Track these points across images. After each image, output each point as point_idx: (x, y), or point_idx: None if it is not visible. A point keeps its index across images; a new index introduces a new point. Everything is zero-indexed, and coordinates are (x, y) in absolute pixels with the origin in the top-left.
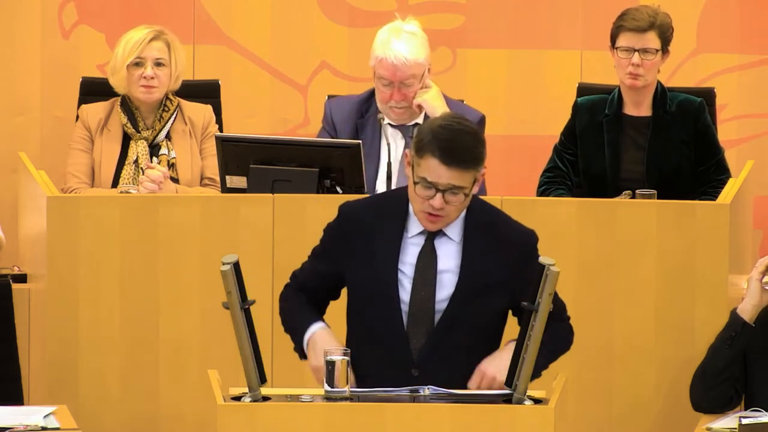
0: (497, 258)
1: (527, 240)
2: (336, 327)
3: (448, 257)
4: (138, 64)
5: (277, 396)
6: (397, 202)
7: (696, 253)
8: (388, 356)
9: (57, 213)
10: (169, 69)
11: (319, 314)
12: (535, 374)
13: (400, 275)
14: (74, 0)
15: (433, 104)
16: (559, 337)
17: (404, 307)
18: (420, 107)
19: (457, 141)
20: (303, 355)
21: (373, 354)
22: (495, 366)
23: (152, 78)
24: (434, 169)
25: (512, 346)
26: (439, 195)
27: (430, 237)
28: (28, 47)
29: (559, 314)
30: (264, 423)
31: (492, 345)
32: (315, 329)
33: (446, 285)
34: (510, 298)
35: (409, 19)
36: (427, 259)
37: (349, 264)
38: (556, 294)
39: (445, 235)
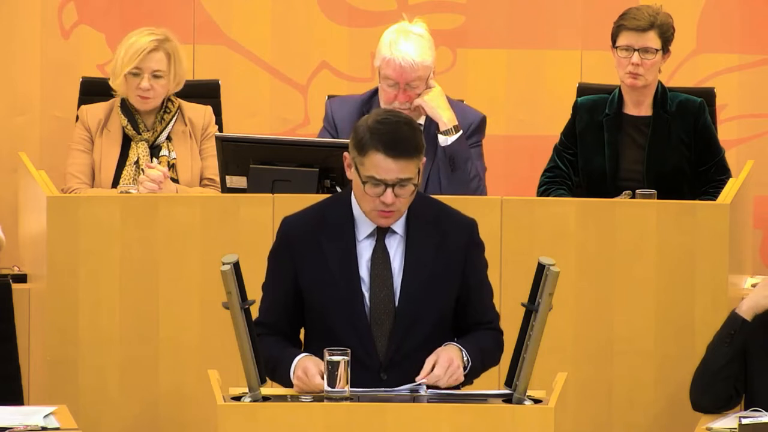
0: (440, 249)
1: (469, 229)
2: None
3: (398, 253)
4: (135, 74)
5: (277, 396)
6: (339, 207)
7: (696, 253)
8: (356, 363)
9: (57, 213)
10: (167, 80)
11: (298, 349)
12: (469, 380)
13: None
14: (74, 0)
15: (433, 104)
16: (496, 349)
17: (367, 312)
18: (419, 108)
19: (397, 133)
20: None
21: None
22: (449, 351)
23: (148, 89)
24: (380, 165)
25: (451, 345)
26: (389, 190)
27: (380, 237)
28: (28, 47)
29: (496, 324)
30: (264, 423)
31: (451, 338)
32: (298, 358)
33: (401, 282)
34: (458, 289)
35: (416, 20)
36: (381, 259)
37: (304, 277)
38: (493, 301)
39: (392, 231)
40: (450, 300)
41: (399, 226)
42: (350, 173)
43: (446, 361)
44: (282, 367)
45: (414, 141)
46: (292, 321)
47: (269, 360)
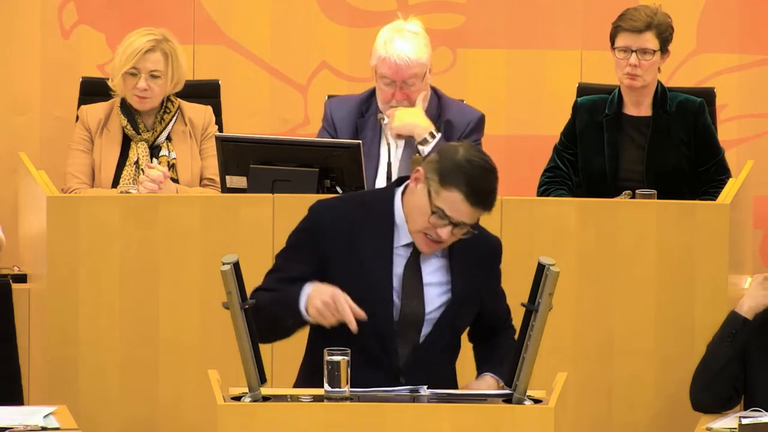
0: (478, 268)
1: (496, 248)
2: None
3: (433, 271)
4: (133, 74)
5: (277, 396)
6: (382, 208)
7: (696, 253)
8: (373, 363)
9: (57, 213)
10: (165, 80)
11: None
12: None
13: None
14: (74, 0)
15: (402, 124)
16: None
17: (396, 318)
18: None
19: (486, 182)
20: (300, 320)
21: (356, 359)
22: (484, 386)
23: (145, 90)
24: (457, 205)
25: (487, 377)
26: (449, 227)
27: (416, 249)
28: (28, 47)
29: (509, 321)
30: (264, 423)
31: (460, 341)
32: (308, 287)
33: (432, 298)
34: (481, 303)
35: (411, 18)
36: (413, 271)
37: (335, 267)
38: (505, 298)
39: None
40: (475, 313)
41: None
42: (416, 188)
43: None
44: (288, 298)
45: (495, 195)
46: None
47: (266, 301)
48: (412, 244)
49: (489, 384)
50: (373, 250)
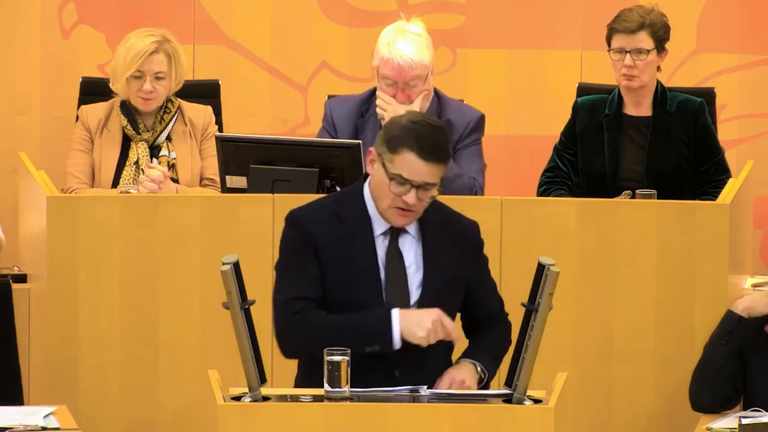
0: (453, 251)
1: (475, 231)
2: None
3: (411, 253)
4: (137, 77)
5: (277, 396)
6: (354, 204)
7: (696, 253)
8: (369, 360)
9: (57, 213)
10: (169, 80)
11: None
12: (488, 382)
13: None
14: (74, 0)
15: None
16: (506, 338)
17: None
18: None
19: (433, 136)
20: (386, 344)
21: (353, 356)
22: (462, 372)
23: (151, 92)
24: (411, 165)
25: (466, 362)
26: (413, 191)
27: (394, 236)
28: (28, 47)
29: (503, 311)
30: (264, 423)
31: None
32: (395, 317)
33: (414, 282)
34: (465, 291)
35: (413, 19)
36: (395, 259)
37: (324, 271)
38: (497, 290)
39: (405, 231)
40: (460, 299)
41: (412, 227)
42: (372, 168)
43: (458, 385)
44: (369, 329)
45: (447, 147)
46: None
47: (332, 326)
48: (388, 231)
49: (467, 370)
50: (358, 245)
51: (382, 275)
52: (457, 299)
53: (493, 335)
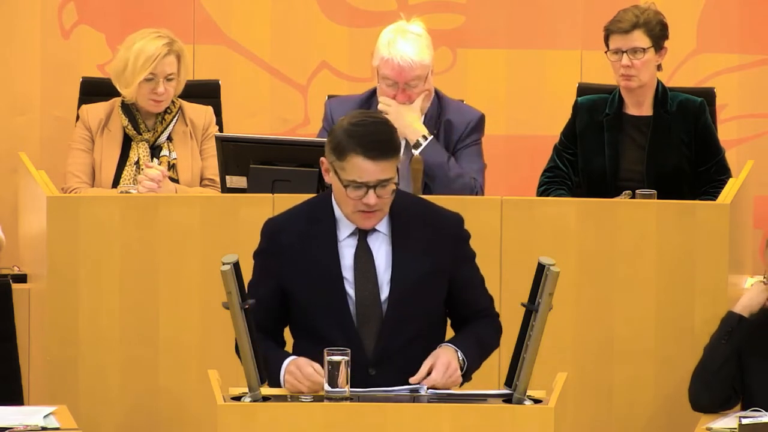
0: (428, 246)
1: (455, 224)
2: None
3: (381, 250)
4: (150, 79)
5: (277, 396)
6: (322, 208)
7: (696, 253)
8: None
9: (57, 213)
10: (177, 81)
11: (284, 350)
12: (467, 377)
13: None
14: (74, 0)
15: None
16: (494, 335)
17: (352, 309)
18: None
19: (375, 134)
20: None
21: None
22: (446, 354)
23: (163, 93)
24: (361, 167)
25: (448, 347)
26: (371, 192)
27: (362, 236)
28: (28, 47)
29: (491, 309)
30: (264, 423)
31: (441, 330)
32: (288, 360)
33: (385, 281)
34: (448, 284)
35: (413, 19)
36: (364, 258)
37: (289, 276)
38: (485, 287)
39: (375, 229)
40: (439, 296)
41: (383, 225)
42: (329, 177)
43: (443, 365)
44: (272, 366)
45: (391, 141)
46: (276, 320)
47: (262, 349)
48: (356, 232)
49: (446, 353)
50: (322, 250)
51: (349, 276)
52: (434, 294)
53: (479, 329)
